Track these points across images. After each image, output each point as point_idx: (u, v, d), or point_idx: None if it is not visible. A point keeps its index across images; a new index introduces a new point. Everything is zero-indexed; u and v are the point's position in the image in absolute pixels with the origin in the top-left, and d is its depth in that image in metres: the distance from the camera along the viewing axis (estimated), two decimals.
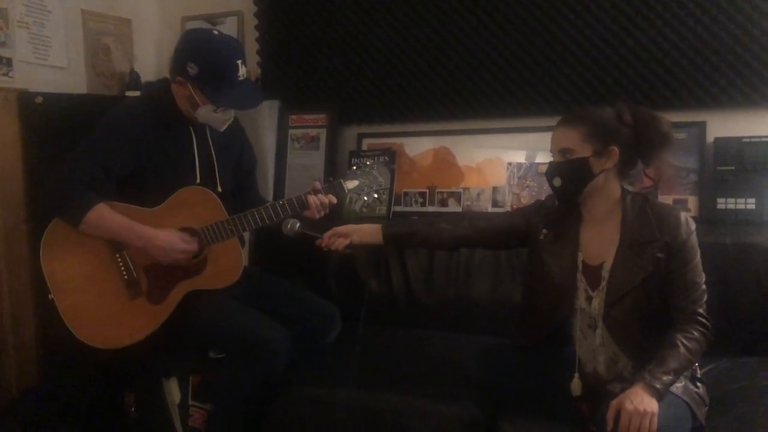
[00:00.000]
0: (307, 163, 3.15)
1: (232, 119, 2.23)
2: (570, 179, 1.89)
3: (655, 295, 1.84)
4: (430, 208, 2.97)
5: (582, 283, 1.94)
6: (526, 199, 2.82)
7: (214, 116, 2.17)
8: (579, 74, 2.74)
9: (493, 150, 2.91)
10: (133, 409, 2.59)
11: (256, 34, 3.27)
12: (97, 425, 2.56)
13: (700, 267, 1.86)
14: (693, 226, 1.86)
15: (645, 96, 2.65)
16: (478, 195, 2.91)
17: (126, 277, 2.12)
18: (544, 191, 2.80)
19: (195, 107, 2.15)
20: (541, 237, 2.02)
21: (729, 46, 2.52)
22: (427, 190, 2.99)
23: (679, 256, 1.84)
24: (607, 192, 1.91)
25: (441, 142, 3.00)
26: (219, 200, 2.21)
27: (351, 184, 2.25)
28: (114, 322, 2.09)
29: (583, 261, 1.94)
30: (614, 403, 1.69)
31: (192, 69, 2.09)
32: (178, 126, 2.22)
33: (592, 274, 1.92)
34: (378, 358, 2.34)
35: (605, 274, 1.90)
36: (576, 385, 1.94)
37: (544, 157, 2.81)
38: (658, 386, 1.69)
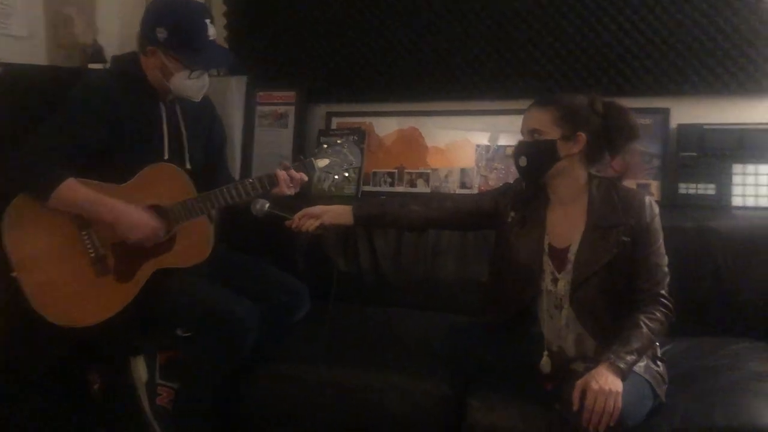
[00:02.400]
0: (275, 141, 3.13)
1: (207, 86, 2.20)
2: (535, 160, 1.93)
3: (620, 277, 1.89)
4: (399, 189, 2.99)
5: (548, 266, 1.98)
6: (493, 181, 2.86)
7: (188, 84, 2.13)
8: (548, 59, 2.77)
9: (462, 132, 2.93)
10: (96, 386, 2.58)
11: (224, 8, 3.21)
12: (59, 402, 2.52)
13: (662, 250, 1.92)
14: (657, 209, 1.92)
15: (611, 82, 2.69)
16: (446, 176, 2.93)
17: (93, 254, 2.08)
18: (512, 174, 2.81)
19: (168, 77, 2.11)
20: (509, 219, 2.05)
21: (694, 36, 2.57)
22: (396, 171, 3.00)
23: (643, 239, 1.89)
24: (573, 176, 1.95)
25: (410, 123, 3.01)
26: (188, 177, 2.18)
27: (321, 163, 2.25)
28: (80, 300, 2.05)
29: (549, 244, 1.98)
30: (580, 383, 1.73)
31: (161, 33, 2.06)
32: (147, 101, 2.18)
33: (558, 256, 1.97)
34: (348, 336, 2.36)
35: (571, 256, 1.94)
36: (546, 363, 1.99)
37: (511, 140, 2.83)
38: (622, 366, 1.74)
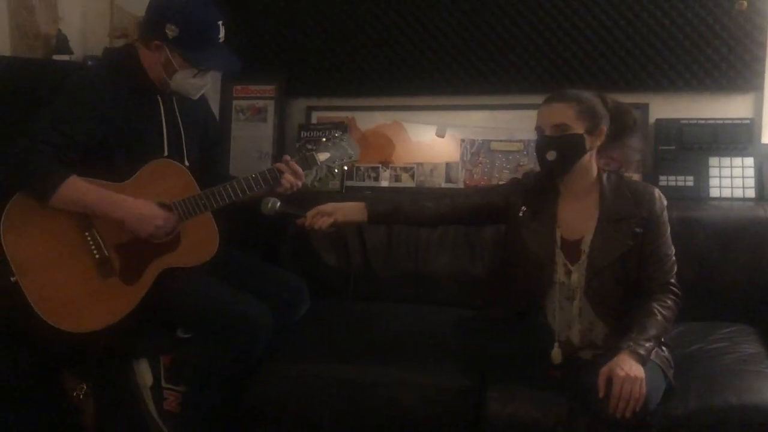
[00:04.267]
0: (254, 135, 3.06)
1: (208, 86, 2.14)
2: (565, 154, 1.96)
3: (633, 267, 1.97)
4: (383, 183, 2.98)
5: (560, 258, 2.03)
6: (478, 175, 2.89)
7: (190, 82, 2.07)
8: (531, 54, 2.82)
9: (447, 127, 2.95)
10: (77, 393, 2.46)
11: None
12: (31, 411, 2.40)
13: (670, 240, 2.01)
14: (665, 201, 2.01)
15: (593, 77, 2.76)
16: (432, 171, 2.95)
17: (97, 256, 1.99)
18: (497, 168, 2.90)
19: (171, 73, 2.04)
20: (521, 214, 2.09)
21: (672, 34, 2.68)
22: (380, 165, 2.99)
23: (654, 230, 1.97)
24: (588, 169, 2.01)
25: (394, 117, 3.00)
26: (190, 174, 2.12)
27: (322, 156, 2.23)
28: (86, 304, 1.96)
29: (561, 236, 2.03)
30: (604, 370, 1.79)
31: (172, 31, 1.98)
32: (145, 95, 2.10)
33: (571, 248, 2.02)
34: (350, 332, 2.35)
35: (585, 248, 2.00)
36: (556, 354, 2.04)
37: (496, 135, 2.89)
38: (642, 352, 1.81)
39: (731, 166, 2.64)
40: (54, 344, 2.11)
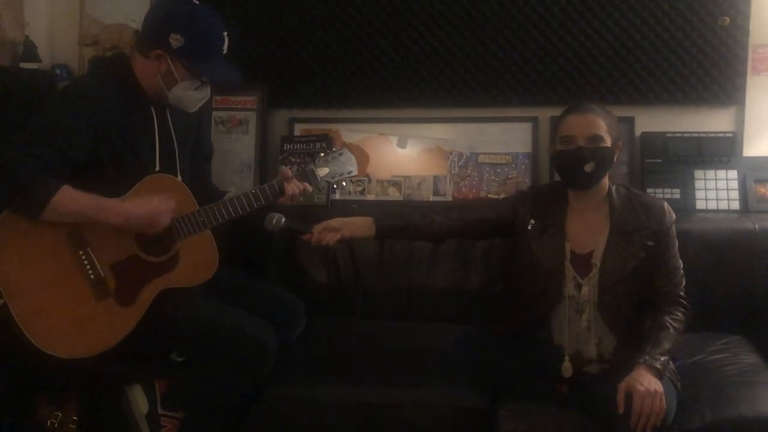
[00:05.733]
0: (234, 149, 2.96)
1: (207, 98, 2.05)
2: (601, 166, 1.96)
3: (644, 279, 1.97)
4: (369, 197, 2.92)
5: (570, 271, 2.01)
6: (467, 188, 2.87)
7: (190, 95, 1.98)
8: (519, 67, 2.82)
9: (433, 140, 2.91)
10: (51, 423, 2.32)
11: None
12: None
13: (678, 253, 2.02)
14: (674, 215, 2.02)
15: (580, 90, 2.78)
16: (419, 184, 2.91)
17: (92, 276, 1.86)
18: (485, 181, 2.88)
19: (171, 85, 1.95)
20: (529, 227, 2.07)
21: (657, 49, 2.72)
22: (366, 178, 2.93)
23: (665, 243, 1.99)
24: (604, 182, 2.02)
25: (379, 130, 2.95)
26: (189, 190, 2.02)
27: (322, 171, 2.17)
28: (81, 329, 1.83)
29: (571, 250, 2.02)
30: (623, 386, 1.78)
31: (176, 41, 1.90)
32: (138, 106, 1.99)
33: (581, 262, 2.01)
34: (350, 351, 2.28)
35: (596, 261, 1.99)
36: (567, 368, 2.02)
37: (484, 148, 2.87)
38: (658, 366, 1.81)
39: (716, 179, 2.68)
40: (37, 369, 1.98)
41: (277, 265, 2.70)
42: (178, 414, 2.01)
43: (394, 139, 2.93)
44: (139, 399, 1.99)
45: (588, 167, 1.94)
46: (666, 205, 2.02)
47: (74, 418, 2.33)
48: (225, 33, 1.98)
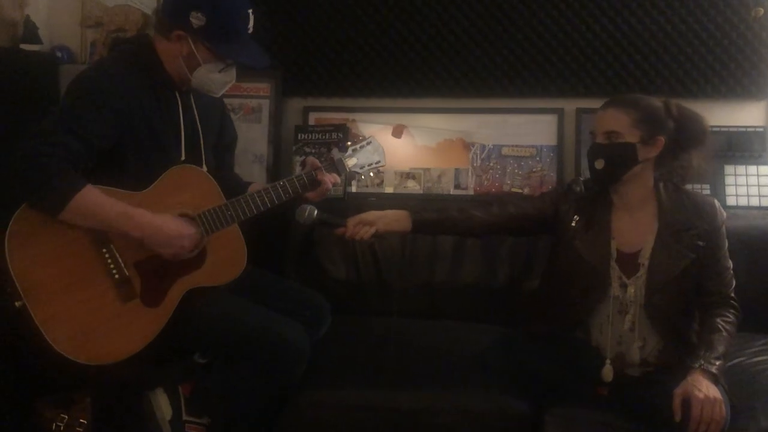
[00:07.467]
0: (246, 137, 2.82)
1: (233, 82, 1.92)
2: (614, 163, 1.87)
3: (693, 280, 1.89)
4: (387, 190, 2.82)
5: (615, 271, 1.93)
6: (489, 181, 2.78)
7: (214, 78, 1.85)
8: (545, 57, 2.74)
9: (455, 132, 2.81)
10: (56, 426, 2.19)
11: None
12: None
13: (728, 253, 1.94)
14: (725, 214, 1.94)
15: (608, 81, 2.71)
16: (439, 176, 2.81)
17: (117, 276, 1.72)
18: (508, 174, 2.79)
19: (193, 68, 1.82)
20: (573, 224, 1.98)
21: (688, 42, 2.65)
22: (384, 171, 2.82)
23: (715, 243, 1.91)
24: (643, 180, 1.93)
25: (398, 120, 2.84)
26: (215, 182, 1.89)
27: (351, 162, 2.06)
28: (105, 332, 1.69)
29: (617, 249, 1.94)
30: (679, 392, 1.70)
31: (198, 20, 1.76)
32: (162, 91, 1.86)
33: (628, 261, 1.92)
34: (378, 352, 2.16)
35: (644, 261, 1.91)
36: (608, 372, 1.93)
37: (507, 140, 2.78)
38: (714, 371, 1.74)
39: (746, 174, 2.62)
40: (52, 373, 1.86)
41: (295, 260, 2.58)
42: (204, 420, 1.89)
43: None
44: (162, 404, 1.86)
45: (598, 164, 1.87)
46: (716, 202, 1.94)
47: (82, 420, 2.22)
48: (250, 11, 1.85)
